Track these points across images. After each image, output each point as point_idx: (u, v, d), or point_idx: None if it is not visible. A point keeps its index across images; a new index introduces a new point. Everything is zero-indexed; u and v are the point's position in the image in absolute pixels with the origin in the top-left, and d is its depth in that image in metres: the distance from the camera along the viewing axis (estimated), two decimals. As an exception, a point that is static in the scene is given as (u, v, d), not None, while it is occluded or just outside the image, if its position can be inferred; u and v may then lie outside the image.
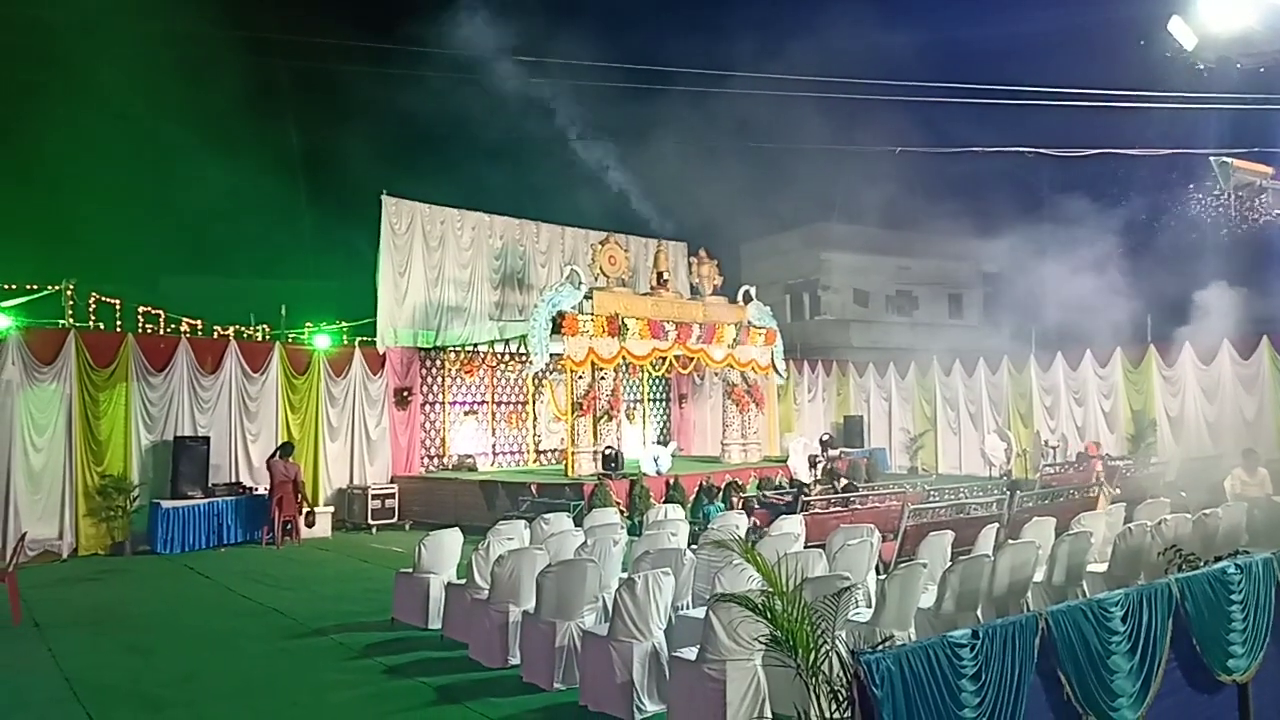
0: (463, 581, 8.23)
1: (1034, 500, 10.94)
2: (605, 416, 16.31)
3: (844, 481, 13.24)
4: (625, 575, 7.05)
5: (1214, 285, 16.79)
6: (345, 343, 17.77)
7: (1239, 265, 17.34)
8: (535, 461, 19.76)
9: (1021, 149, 13.67)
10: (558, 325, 15.38)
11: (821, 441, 16.10)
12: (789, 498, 12.26)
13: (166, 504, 14.00)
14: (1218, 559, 5.36)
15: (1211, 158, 10.36)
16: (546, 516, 10.06)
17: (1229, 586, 5.03)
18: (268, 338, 16.94)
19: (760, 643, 4.71)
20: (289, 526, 14.53)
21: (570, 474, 15.58)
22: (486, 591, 7.67)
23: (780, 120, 21.07)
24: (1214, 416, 17.42)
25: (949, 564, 7.33)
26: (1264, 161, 10.47)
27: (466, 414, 19.11)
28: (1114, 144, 13.49)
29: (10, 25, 19.19)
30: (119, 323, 14.84)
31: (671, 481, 15.32)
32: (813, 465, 14.98)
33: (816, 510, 10.66)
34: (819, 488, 12.93)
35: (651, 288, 18.00)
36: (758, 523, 10.73)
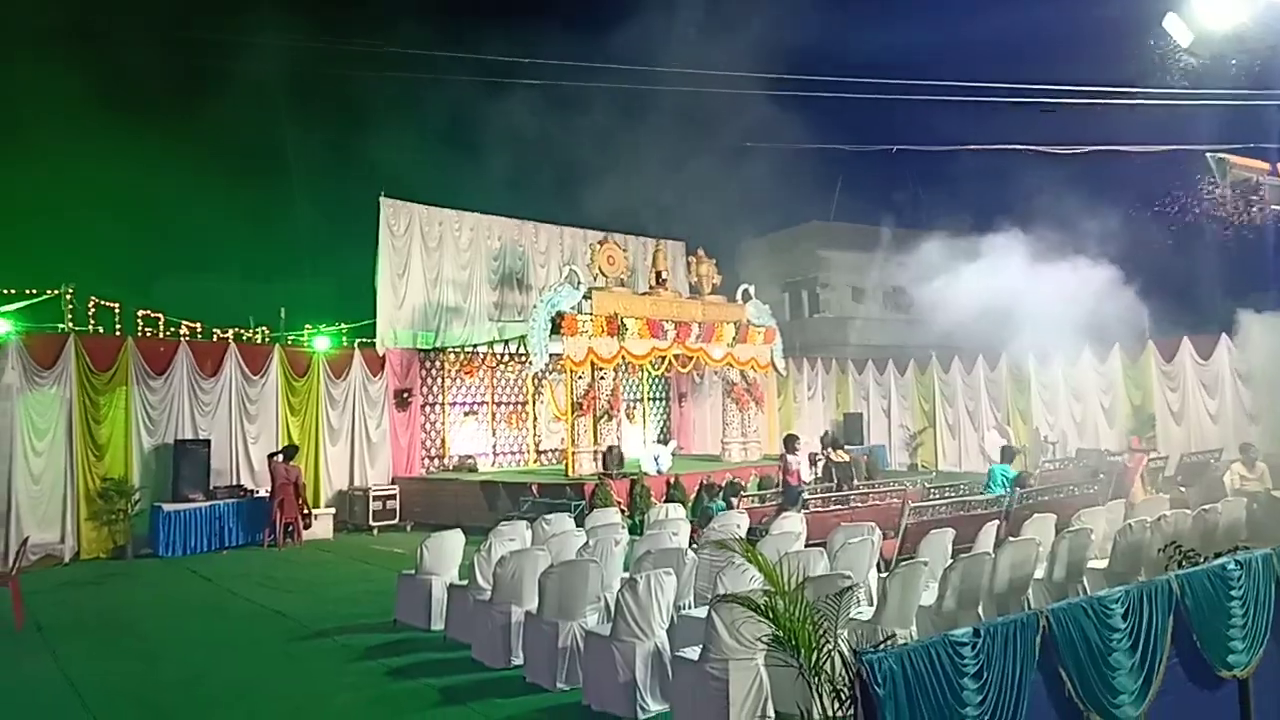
0: (465, 583, 8.25)
1: (1033, 496, 10.97)
2: (605, 416, 16.33)
3: (840, 455, 13.24)
4: (627, 575, 7.07)
5: (1213, 279, 16.82)
6: (345, 345, 17.80)
7: (1237, 259, 17.38)
8: (536, 462, 19.78)
9: (1018, 146, 13.70)
10: (557, 325, 15.39)
11: (821, 439, 16.11)
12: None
13: (168, 507, 14.02)
14: (1218, 555, 5.38)
15: (1208, 154, 10.38)
16: (548, 517, 10.08)
17: (1229, 583, 5.05)
18: (267, 340, 16.97)
19: (763, 642, 4.72)
20: (290, 529, 14.56)
21: (571, 474, 15.59)
22: (489, 592, 7.69)
23: (778, 119, 21.12)
24: (1214, 410, 17.45)
25: (950, 562, 7.35)
26: (1259, 157, 10.49)
27: (466, 415, 19.13)
28: (1110, 140, 13.52)
29: (4, 30, 19.21)
30: (118, 326, 14.87)
31: (672, 480, 15.34)
32: (813, 463, 14.99)
33: (817, 508, 10.68)
34: (819, 485, 12.95)
35: (650, 287, 18.01)
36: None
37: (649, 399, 22.55)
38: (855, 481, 13.20)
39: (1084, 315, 16.03)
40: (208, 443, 14.93)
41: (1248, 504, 10.19)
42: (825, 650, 4.14)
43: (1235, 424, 16.83)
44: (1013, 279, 15.27)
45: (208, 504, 14.38)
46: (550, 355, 15.76)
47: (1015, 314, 15.98)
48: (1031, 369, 20.45)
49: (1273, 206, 12.02)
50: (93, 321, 14.57)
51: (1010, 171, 19.78)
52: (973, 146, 14.33)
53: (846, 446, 15.19)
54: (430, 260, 18.96)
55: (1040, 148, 13.22)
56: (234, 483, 15.27)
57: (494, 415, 19.58)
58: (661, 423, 22.85)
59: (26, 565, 11.37)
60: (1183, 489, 12.98)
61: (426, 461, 18.23)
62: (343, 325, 18.40)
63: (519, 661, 7.21)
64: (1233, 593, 5.04)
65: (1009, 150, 13.94)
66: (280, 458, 14.74)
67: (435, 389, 18.66)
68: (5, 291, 13.71)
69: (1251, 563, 5.19)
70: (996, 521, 9.22)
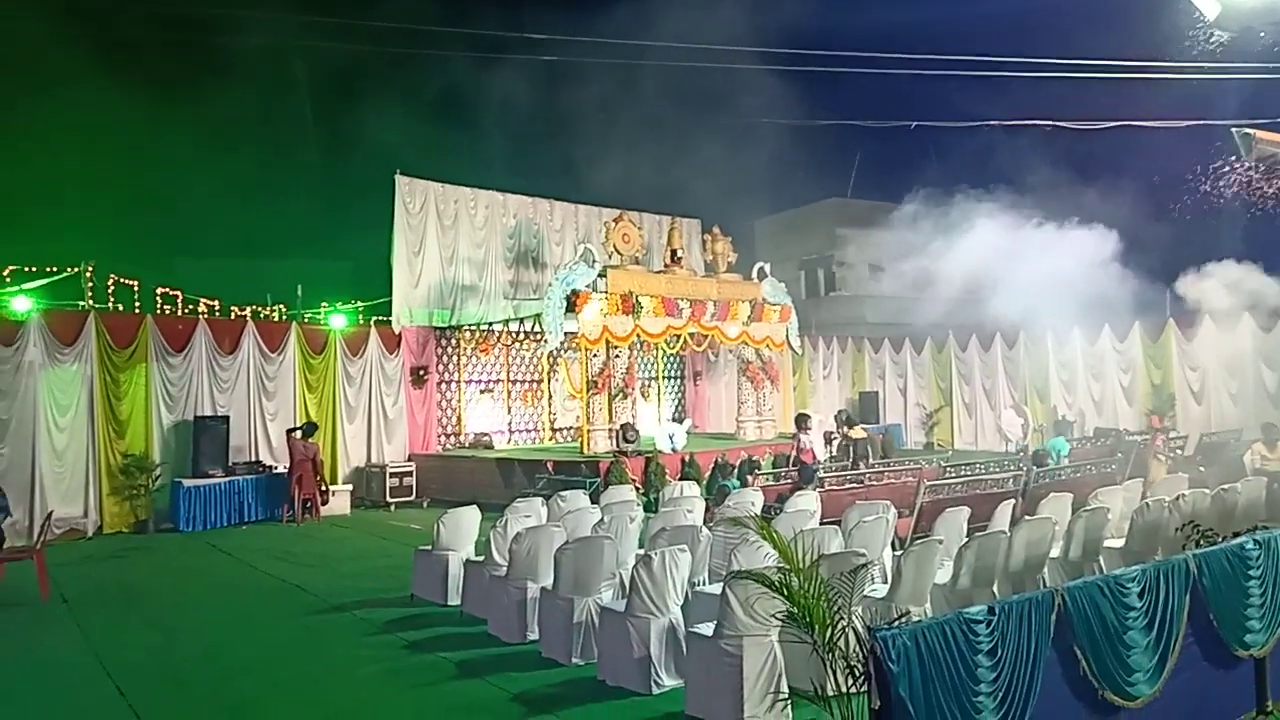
0: (481, 559, 8.31)
1: (1052, 475, 10.91)
2: (620, 394, 16.35)
3: (859, 433, 13.19)
4: (642, 552, 7.10)
5: (1235, 257, 16.56)
6: (361, 322, 17.88)
7: (1261, 237, 17.09)
8: (551, 439, 19.86)
9: (1039, 121, 13.52)
10: (572, 304, 15.39)
11: (837, 418, 16.07)
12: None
13: (188, 483, 14.20)
14: (1236, 534, 5.35)
15: (1233, 129, 10.18)
16: (563, 494, 10.13)
17: (1247, 562, 5.02)
18: (284, 318, 17.06)
19: (777, 619, 4.74)
20: (309, 504, 14.71)
21: (586, 451, 15.65)
22: (505, 568, 7.74)
23: (795, 95, 20.91)
24: (1235, 390, 17.27)
25: (965, 540, 7.32)
26: (1286, 132, 10.27)
27: (482, 392, 19.21)
28: (1132, 115, 13.31)
29: (22, 14, 19.25)
30: (137, 304, 15.00)
31: (687, 458, 15.37)
32: (828, 442, 14.97)
33: (832, 486, 10.67)
34: (834, 464, 12.93)
35: (665, 265, 17.95)
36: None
37: (664, 377, 22.56)
38: (871, 460, 13.18)
39: (1102, 293, 15.86)
40: (226, 419, 15.08)
41: (1268, 484, 10.09)
42: (839, 627, 4.15)
43: (1256, 404, 16.65)
44: (1030, 256, 15.11)
45: (227, 480, 14.56)
46: (565, 333, 15.77)
47: (1032, 291, 15.83)
48: (1049, 348, 20.28)
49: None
50: (112, 299, 14.71)
51: (1030, 147, 19.54)
52: (992, 122, 14.17)
53: (862, 425, 15.15)
54: (446, 238, 18.98)
55: (1062, 123, 13.05)
56: (253, 459, 15.45)
57: (509, 393, 19.65)
58: (676, 401, 22.87)
59: (51, 539, 11.57)
60: (1202, 468, 12.88)
61: (443, 438, 18.34)
62: (359, 303, 18.48)
63: (535, 636, 7.27)
64: (1251, 572, 5.01)
65: (1029, 126, 13.76)
66: (299, 434, 14.87)
67: (451, 366, 18.73)
68: (26, 269, 13.84)
69: (1270, 542, 5.16)
70: (1012, 500, 9.18)
